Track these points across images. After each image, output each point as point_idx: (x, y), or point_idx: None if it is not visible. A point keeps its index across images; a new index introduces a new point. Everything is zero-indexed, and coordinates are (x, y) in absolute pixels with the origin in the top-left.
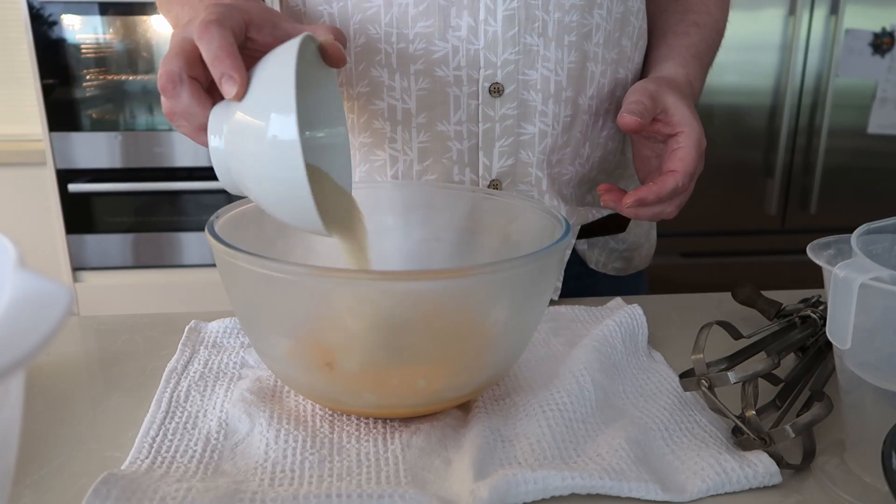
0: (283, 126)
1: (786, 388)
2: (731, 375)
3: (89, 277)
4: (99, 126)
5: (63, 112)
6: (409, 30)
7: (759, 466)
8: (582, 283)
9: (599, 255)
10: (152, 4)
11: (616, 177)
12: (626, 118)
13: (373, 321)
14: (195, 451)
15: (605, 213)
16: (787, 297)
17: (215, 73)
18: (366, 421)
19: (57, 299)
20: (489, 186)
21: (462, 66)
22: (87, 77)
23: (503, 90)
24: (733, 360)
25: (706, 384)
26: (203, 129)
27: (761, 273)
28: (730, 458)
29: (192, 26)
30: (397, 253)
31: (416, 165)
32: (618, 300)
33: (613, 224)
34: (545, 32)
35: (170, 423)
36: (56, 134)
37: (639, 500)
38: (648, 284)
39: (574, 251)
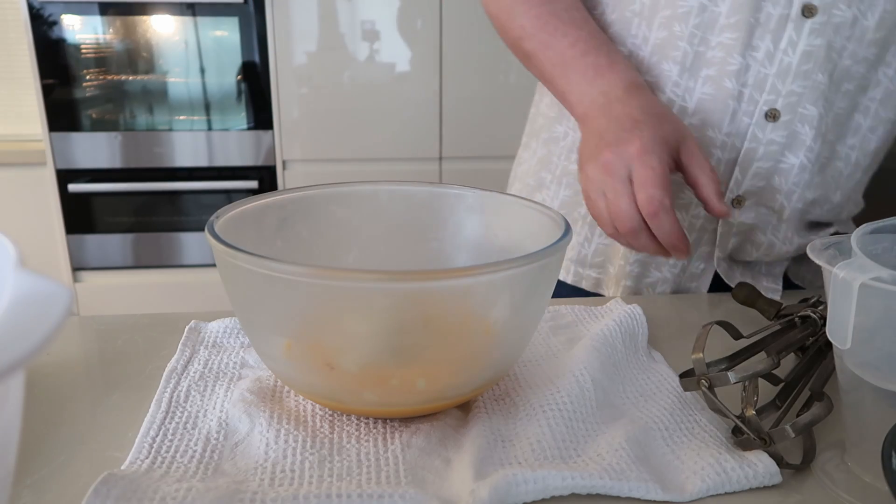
0: None
1: (786, 388)
2: (731, 375)
3: (89, 277)
4: (99, 126)
5: (63, 112)
6: (714, 37)
7: (759, 466)
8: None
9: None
10: (152, 4)
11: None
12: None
13: (373, 321)
14: (195, 451)
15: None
16: (787, 297)
17: (669, 244)
18: (366, 421)
19: (57, 299)
20: (733, 201)
21: (748, 84)
22: (87, 77)
23: (779, 117)
24: (733, 360)
25: (706, 384)
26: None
27: None
28: (730, 458)
29: (642, 166)
30: (398, 253)
31: None
32: (618, 300)
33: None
34: (833, 73)
35: (170, 423)
36: (56, 134)
37: (639, 500)
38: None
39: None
